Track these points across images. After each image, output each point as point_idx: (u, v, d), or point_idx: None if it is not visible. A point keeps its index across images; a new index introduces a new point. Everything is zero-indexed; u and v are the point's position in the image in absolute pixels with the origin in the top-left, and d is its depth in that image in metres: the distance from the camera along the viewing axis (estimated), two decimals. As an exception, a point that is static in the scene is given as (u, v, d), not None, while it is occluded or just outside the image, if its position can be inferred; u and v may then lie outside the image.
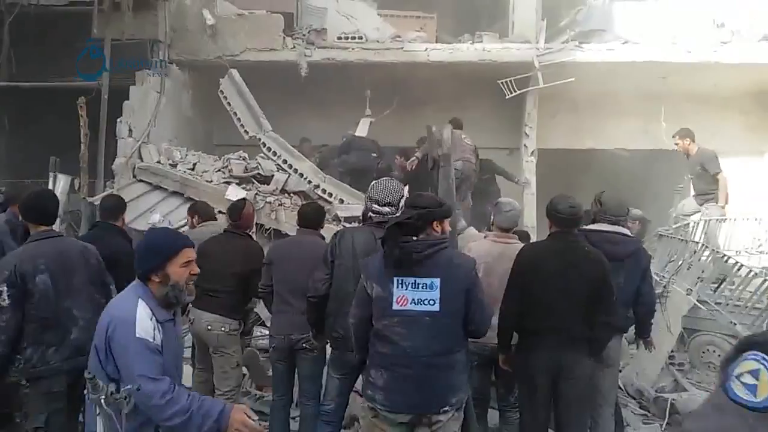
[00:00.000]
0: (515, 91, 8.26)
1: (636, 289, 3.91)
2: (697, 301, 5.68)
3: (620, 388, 5.03)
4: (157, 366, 2.28)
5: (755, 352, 1.23)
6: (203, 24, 8.13)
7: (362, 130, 8.47)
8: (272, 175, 7.20)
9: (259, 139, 7.53)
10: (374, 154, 8.11)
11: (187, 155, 7.67)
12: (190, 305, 4.10)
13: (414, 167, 7.54)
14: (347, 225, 6.32)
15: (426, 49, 8.26)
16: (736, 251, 6.65)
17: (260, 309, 5.89)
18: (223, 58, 8.16)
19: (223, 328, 4.31)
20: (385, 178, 3.73)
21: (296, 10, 8.70)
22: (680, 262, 6.08)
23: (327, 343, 3.92)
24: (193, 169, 7.39)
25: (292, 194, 7.13)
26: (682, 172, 7.79)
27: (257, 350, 5.88)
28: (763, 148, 9.20)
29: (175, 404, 2.23)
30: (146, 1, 7.78)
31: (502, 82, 8.22)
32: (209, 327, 4.29)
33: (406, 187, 4.07)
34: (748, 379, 1.23)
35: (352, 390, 3.81)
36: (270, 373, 5.56)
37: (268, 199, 6.92)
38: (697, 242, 6.25)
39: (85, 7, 7.51)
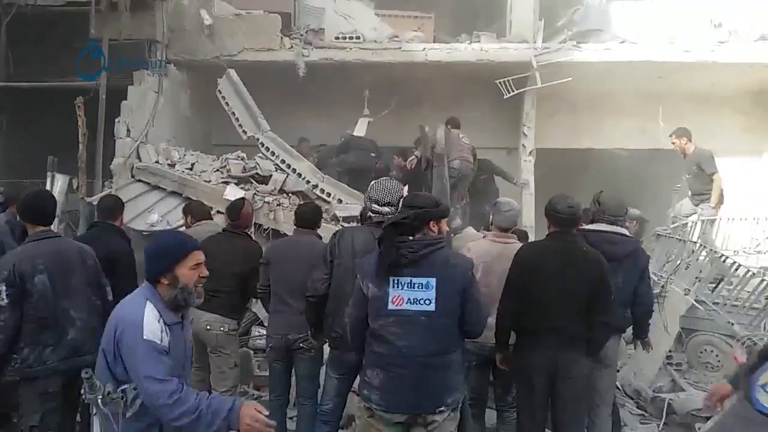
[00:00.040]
0: (513, 91, 8.26)
1: (634, 289, 3.91)
2: (695, 301, 5.68)
3: (618, 388, 5.04)
4: (165, 367, 2.30)
5: None
6: (201, 24, 8.13)
7: (360, 129, 8.47)
8: (270, 175, 7.19)
9: (258, 139, 7.51)
10: (373, 154, 8.10)
11: (185, 155, 7.65)
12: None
13: (413, 166, 7.55)
14: (346, 225, 6.32)
15: (424, 49, 8.27)
16: (734, 251, 6.66)
17: (258, 309, 5.89)
18: (221, 58, 8.16)
19: (222, 328, 4.32)
20: (384, 178, 3.72)
21: (294, 10, 8.68)
22: (678, 262, 6.08)
23: (325, 342, 3.92)
24: (191, 169, 7.38)
25: (290, 194, 7.12)
26: (680, 171, 7.79)
27: (253, 350, 5.89)
28: (761, 148, 9.19)
29: (183, 404, 2.25)
30: (144, 1, 7.76)
31: (500, 82, 8.21)
32: (208, 327, 4.29)
33: (406, 187, 4.07)
34: None
35: (350, 390, 3.81)
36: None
37: (266, 199, 6.91)
38: (695, 242, 6.26)
39: (82, 7, 7.49)
